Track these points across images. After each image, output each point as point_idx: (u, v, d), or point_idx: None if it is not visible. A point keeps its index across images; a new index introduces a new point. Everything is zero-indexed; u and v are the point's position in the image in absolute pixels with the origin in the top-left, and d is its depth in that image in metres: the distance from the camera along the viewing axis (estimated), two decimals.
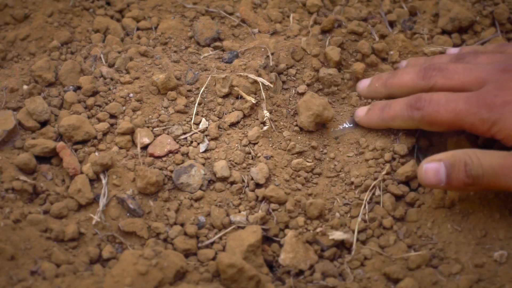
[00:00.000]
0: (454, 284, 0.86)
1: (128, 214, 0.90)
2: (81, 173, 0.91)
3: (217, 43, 1.04)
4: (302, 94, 0.99)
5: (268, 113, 0.95)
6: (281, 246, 0.89)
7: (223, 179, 0.92)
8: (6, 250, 0.82)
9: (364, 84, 1.00)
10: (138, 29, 1.05)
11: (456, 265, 0.87)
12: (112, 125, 0.95)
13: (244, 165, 0.93)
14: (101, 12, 1.06)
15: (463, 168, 0.85)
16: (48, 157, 0.93)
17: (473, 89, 0.90)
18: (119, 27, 1.05)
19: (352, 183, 0.94)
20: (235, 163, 0.93)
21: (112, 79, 0.99)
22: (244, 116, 0.96)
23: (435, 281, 0.86)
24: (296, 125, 0.97)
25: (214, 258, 0.87)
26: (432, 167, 0.87)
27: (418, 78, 0.94)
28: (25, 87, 0.97)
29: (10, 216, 0.86)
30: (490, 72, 0.90)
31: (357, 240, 0.89)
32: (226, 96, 0.97)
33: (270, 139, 0.96)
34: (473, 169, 0.85)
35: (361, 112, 0.97)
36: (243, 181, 0.92)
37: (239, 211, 0.90)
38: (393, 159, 0.95)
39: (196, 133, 0.95)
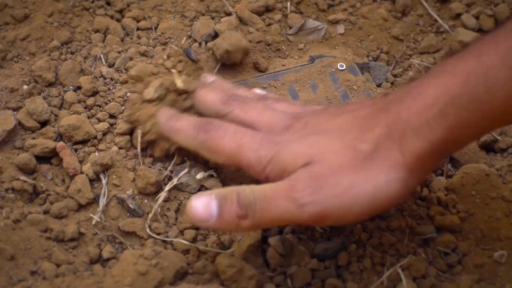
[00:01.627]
0: (454, 284, 0.86)
1: (128, 214, 0.90)
2: (81, 173, 0.91)
3: None
4: None
5: None
6: None
7: None
8: (6, 250, 0.82)
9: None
10: (138, 29, 1.05)
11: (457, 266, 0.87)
12: (112, 125, 0.96)
13: None
14: (101, 12, 1.06)
15: (236, 198, 0.79)
16: (48, 157, 0.93)
17: (262, 130, 0.86)
18: (119, 27, 1.05)
19: None
20: None
21: (112, 79, 0.99)
22: None
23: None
24: None
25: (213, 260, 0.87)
26: (202, 201, 0.80)
27: (219, 102, 0.90)
28: (25, 87, 0.97)
29: (10, 216, 0.86)
30: (281, 117, 0.86)
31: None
32: None
33: None
34: (245, 197, 0.79)
35: (160, 112, 0.92)
36: None
37: None
38: None
39: None
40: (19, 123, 0.94)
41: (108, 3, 1.07)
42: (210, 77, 0.95)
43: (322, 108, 0.89)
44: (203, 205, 0.80)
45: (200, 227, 0.86)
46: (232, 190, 0.80)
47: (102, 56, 1.01)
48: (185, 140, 0.89)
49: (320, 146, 0.80)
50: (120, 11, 1.07)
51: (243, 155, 0.83)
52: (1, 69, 1.00)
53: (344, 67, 1.03)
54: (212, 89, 0.93)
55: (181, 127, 0.89)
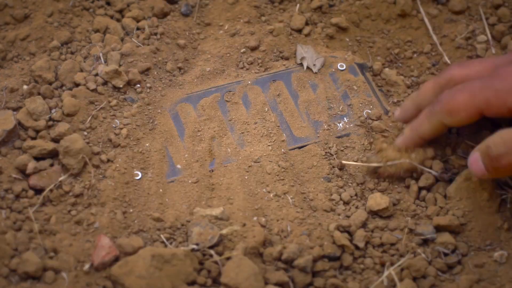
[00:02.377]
0: (454, 284, 0.86)
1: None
2: None
3: None
4: None
5: None
6: None
7: None
8: (6, 250, 0.82)
9: (398, 112, 0.98)
10: (138, 29, 1.05)
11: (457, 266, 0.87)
12: None
13: None
14: (101, 12, 1.05)
15: (489, 151, 0.86)
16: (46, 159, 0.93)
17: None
18: (119, 27, 1.04)
19: None
20: None
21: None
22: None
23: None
24: None
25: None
26: (473, 157, 0.88)
27: (436, 82, 0.93)
28: (25, 87, 0.97)
29: (10, 217, 0.86)
30: (502, 59, 0.90)
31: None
32: None
33: None
34: (496, 149, 0.85)
35: (397, 139, 0.96)
36: None
37: None
38: None
39: None
40: (19, 123, 0.94)
41: (108, 3, 1.07)
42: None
43: None
44: (474, 162, 0.87)
45: (481, 178, 0.90)
46: (487, 142, 0.86)
47: (101, 55, 1.00)
48: (432, 126, 0.92)
49: None
50: (120, 11, 1.07)
51: (479, 98, 0.86)
52: (1, 69, 1.00)
53: (344, 67, 1.03)
54: (423, 85, 0.95)
55: (421, 121, 0.92)
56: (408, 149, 0.94)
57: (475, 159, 0.87)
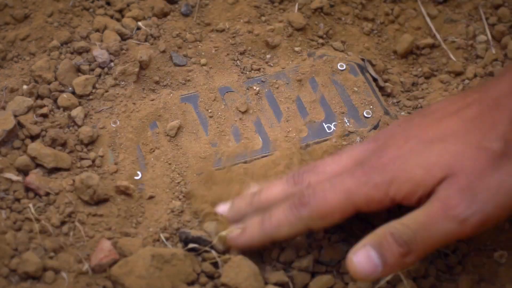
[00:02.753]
0: (454, 285, 0.86)
1: None
2: None
3: None
4: None
5: None
6: None
7: None
8: (6, 250, 0.82)
9: (223, 209, 0.88)
10: (138, 28, 1.05)
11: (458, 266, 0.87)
12: None
13: None
14: (101, 12, 1.05)
15: (392, 240, 0.77)
16: None
17: (353, 167, 0.82)
18: (119, 26, 1.04)
19: None
20: None
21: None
22: None
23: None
24: None
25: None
26: (361, 255, 0.77)
27: (289, 186, 0.84)
28: (25, 87, 0.97)
29: (10, 217, 0.86)
30: (363, 148, 0.84)
31: None
32: None
33: None
34: (402, 234, 0.77)
35: (234, 235, 0.85)
36: None
37: None
38: None
39: None
40: (19, 123, 0.94)
41: (108, 3, 1.07)
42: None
43: (402, 121, 0.86)
44: (363, 259, 0.77)
45: (367, 281, 0.82)
46: (384, 232, 0.78)
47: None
48: (293, 229, 0.82)
49: (451, 154, 0.78)
50: (120, 11, 1.07)
51: (357, 196, 0.79)
52: (1, 69, 1.00)
53: (344, 67, 1.03)
54: (268, 187, 0.86)
55: (278, 221, 0.82)
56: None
57: (365, 256, 0.77)
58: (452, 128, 0.80)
